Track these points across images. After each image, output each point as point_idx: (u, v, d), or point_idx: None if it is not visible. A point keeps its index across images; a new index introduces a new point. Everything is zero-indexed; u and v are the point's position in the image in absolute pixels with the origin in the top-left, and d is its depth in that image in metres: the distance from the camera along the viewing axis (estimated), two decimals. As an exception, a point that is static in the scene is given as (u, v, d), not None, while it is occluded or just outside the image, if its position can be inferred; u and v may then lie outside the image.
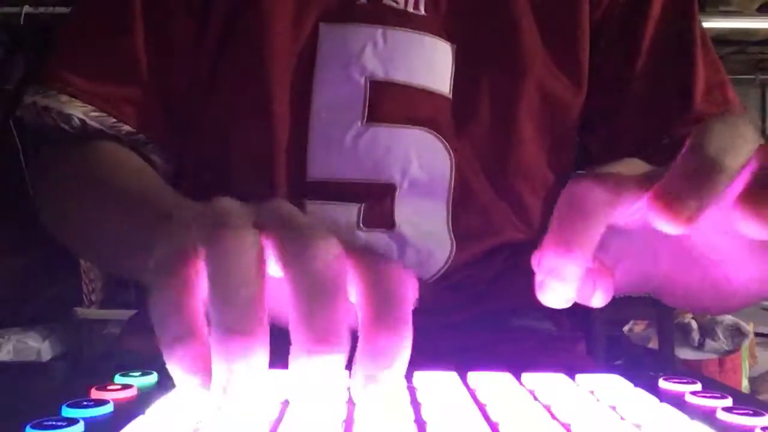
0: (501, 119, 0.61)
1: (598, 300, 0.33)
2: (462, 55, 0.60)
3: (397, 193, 0.58)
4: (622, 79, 0.64)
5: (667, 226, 0.27)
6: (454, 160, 0.59)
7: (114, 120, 0.58)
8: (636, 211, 0.30)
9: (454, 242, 0.59)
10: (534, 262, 0.31)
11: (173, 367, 0.25)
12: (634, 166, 0.33)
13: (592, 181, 0.30)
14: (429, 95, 0.59)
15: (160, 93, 0.60)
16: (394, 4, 0.59)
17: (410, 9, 0.60)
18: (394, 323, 0.25)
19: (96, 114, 0.58)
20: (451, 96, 0.60)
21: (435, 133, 0.59)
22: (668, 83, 0.63)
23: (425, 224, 0.59)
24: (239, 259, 0.26)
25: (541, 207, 0.64)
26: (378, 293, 0.26)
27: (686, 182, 0.27)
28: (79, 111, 0.57)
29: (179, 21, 0.60)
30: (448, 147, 0.59)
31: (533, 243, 0.62)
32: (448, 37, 0.60)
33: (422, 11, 0.60)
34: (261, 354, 0.25)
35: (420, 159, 0.58)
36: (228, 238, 0.26)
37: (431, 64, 0.59)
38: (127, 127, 0.59)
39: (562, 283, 0.30)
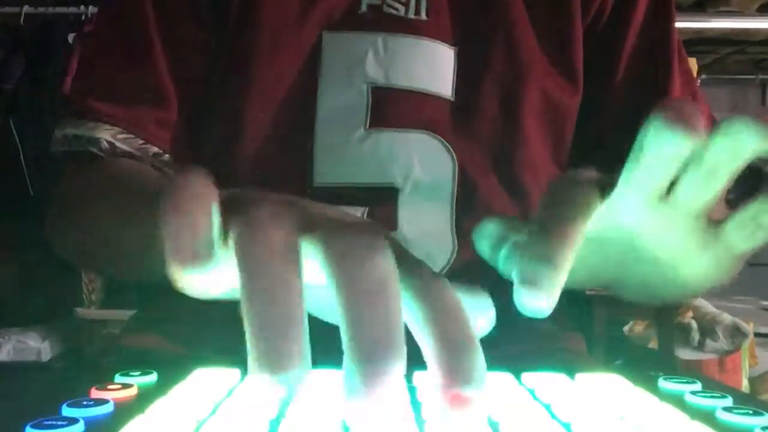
0: (505, 118, 0.61)
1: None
2: (464, 58, 0.61)
3: (399, 196, 0.59)
4: (605, 84, 0.65)
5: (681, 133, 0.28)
6: (457, 161, 0.60)
7: (142, 141, 0.58)
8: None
9: (456, 243, 0.59)
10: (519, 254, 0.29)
11: None
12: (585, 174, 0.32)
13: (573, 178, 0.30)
14: (430, 98, 0.60)
15: (182, 112, 0.60)
16: (395, 12, 0.60)
17: (411, 15, 0.60)
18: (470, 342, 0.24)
19: (123, 136, 0.58)
20: (453, 98, 0.60)
21: (437, 135, 0.60)
22: (647, 89, 0.65)
23: (428, 226, 0.59)
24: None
25: None
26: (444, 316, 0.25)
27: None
28: (107, 134, 0.57)
29: (195, 40, 0.60)
30: (451, 149, 0.60)
31: None
32: (450, 41, 0.61)
33: (423, 16, 0.61)
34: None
35: (422, 162, 0.59)
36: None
37: (432, 67, 0.60)
38: (154, 148, 0.59)
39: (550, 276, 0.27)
